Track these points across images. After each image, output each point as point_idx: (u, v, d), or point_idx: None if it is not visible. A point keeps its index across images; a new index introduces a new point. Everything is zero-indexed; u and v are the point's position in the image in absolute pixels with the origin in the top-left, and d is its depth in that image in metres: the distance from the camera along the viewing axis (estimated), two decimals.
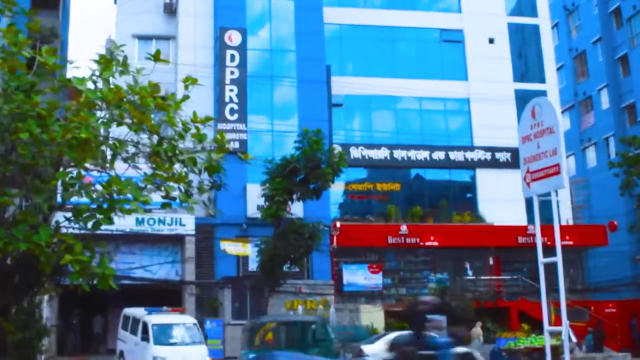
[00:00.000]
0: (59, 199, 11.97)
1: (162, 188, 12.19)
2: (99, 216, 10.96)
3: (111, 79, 11.83)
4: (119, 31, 37.14)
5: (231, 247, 29.79)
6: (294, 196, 29.18)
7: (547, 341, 14.49)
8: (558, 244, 14.25)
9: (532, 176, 14.66)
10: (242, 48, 34.84)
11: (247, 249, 30.14)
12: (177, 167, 12.49)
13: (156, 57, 12.46)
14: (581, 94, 51.83)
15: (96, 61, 12.37)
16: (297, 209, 31.64)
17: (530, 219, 37.72)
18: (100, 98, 10.71)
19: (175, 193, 12.85)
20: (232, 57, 34.68)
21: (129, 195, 10.86)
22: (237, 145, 33.82)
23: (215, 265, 32.54)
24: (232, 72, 34.51)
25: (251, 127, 34.39)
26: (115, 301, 35.56)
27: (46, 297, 28.17)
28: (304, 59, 35.57)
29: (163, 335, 25.00)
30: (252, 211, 32.38)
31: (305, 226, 29.05)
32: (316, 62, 35.56)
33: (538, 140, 14.46)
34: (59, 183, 10.74)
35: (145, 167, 12.26)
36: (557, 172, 13.98)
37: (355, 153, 36.45)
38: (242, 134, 33.94)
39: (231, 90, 34.29)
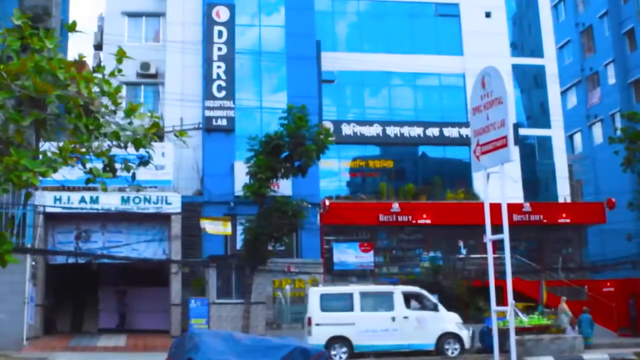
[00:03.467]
0: None
1: (80, 162, 11.74)
2: None
3: None
4: (109, 8, 36.76)
5: (211, 226, 29.36)
6: (278, 174, 28.82)
7: (494, 321, 13.98)
8: (505, 220, 13.76)
9: (481, 149, 14.10)
10: (229, 24, 34.22)
11: (228, 228, 29.73)
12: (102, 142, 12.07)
13: (71, 28, 11.98)
14: (588, 70, 50.79)
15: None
16: (285, 187, 31.26)
17: (527, 197, 37.06)
18: None
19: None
20: (220, 34, 34.09)
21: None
22: (224, 122, 33.40)
23: (202, 243, 32.21)
24: (219, 49, 33.93)
25: (240, 105, 33.89)
26: (104, 280, 35.63)
27: (27, 275, 28.07)
28: (293, 34, 34.88)
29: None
30: (240, 189, 31.99)
31: (288, 204, 28.69)
32: (306, 37, 34.83)
33: (488, 111, 13.87)
34: None
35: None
36: (505, 145, 13.42)
37: (347, 130, 35.84)
38: (230, 111, 33.44)
39: (219, 67, 33.73)
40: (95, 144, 11.93)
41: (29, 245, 28.89)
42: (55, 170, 11.75)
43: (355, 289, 24.24)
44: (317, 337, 22.50)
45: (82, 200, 30.70)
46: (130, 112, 12.27)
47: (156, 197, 31.39)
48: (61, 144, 12.01)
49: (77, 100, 11.81)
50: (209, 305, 30.11)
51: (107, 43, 35.15)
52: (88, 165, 12.03)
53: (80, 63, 12.35)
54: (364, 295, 23.62)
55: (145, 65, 35.34)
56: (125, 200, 31.17)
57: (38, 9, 34.50)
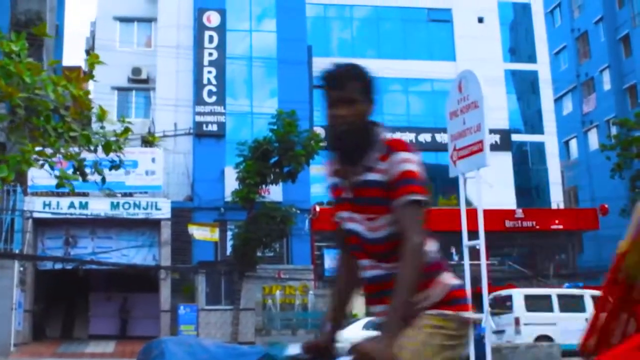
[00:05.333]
0: None
1: (47, 166, 11.65)
2: None
3: None
4: (101, 13, 36.66)
5: (199, 232, 29.22)
6: (268, 179, 28.70)
7: (471, 330, 13.78)
8: (481, 226, 13.50)
9: (458, 154, 13.92)
10: (221, 29, 34.19)
11: (215, 234, 29.58)
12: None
13: (41, 31, 11.95)
14: (583, 75, 50.66)
15: None
16: (276, 193, 31.14)
17: (520, 203, 36.91)
18: None
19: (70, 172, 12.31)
20: (211, 39, 34.05)
21: None
22: (215, 127, 33.34)
23: (192, 249, 32.06)
24: (210, 54, 33.90)
25: (230, 110, 33.80)
26: (95, 286, 35.47)
27: (15, 280, 27.91)
28: (284, 39, 34.83)
29: None
30: (230, 195, 31.90)
31: (277, 210, 28.56)
32: (297, 42, 34.78)
33: (464, 115, 13.68)
34: None
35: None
36: (481, 150, 13.21)
37: None
38: (221, 116, 33.37)
39: (209, 72, 33.69)
40: (64, 147, 11.83)
41: (17, 251, 28.76)
42: (21, 173, 11.65)
43: (552, 291, 25.40)
44: (525, 336, 23.11)
45: (72, 205, 30.58)
46: (101, 117, 12.18)
47: (146, 202, 31.28)
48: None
49: (46, 104, 11.71)
50: (198, 312, 29.96)
51: (99, 48, 34.99)
52: (57, 169, 11.94)
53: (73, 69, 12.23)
54: (560, 297, 24.58)
55: (136, 71, 35.27)
56: (114, 206, 31.06)
57: (31, 13, 34.46)
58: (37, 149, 11.71)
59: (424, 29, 38.56)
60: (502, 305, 24.12)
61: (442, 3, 38.69)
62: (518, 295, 24.21)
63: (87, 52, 39.07)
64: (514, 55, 40.60)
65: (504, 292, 25.15)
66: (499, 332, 23.73)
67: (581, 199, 48.14)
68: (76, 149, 12.04)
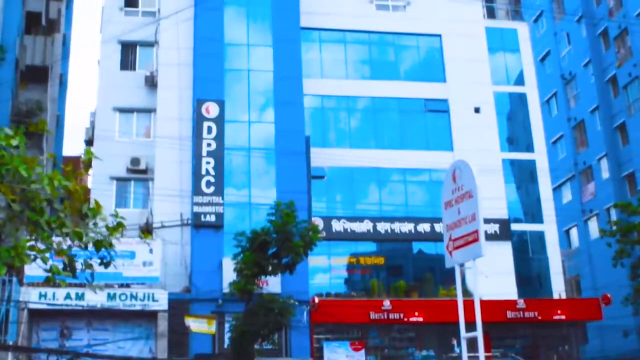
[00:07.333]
0: None
1: (40, 260, 11.55)
2: None
3: None
4: (101, 104, 36.92)
5: (196, 325, 28.79)
6: (266, 270, 28.46)
7: None
8: (478, 317, 13.36)
9: (454, 244, 13.85)
10: (219, 120, 34.49)
11: (212, 327, 29.18)
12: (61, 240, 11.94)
13: (41, 127, 12.10)
14: (581, 164, 50.93)
15: None
16: (275, 284, 30.87)
17: (521, 294, 36.48)
18: None
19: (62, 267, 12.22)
20: (210, 130, 34.32)
21: None
22: (213, 219, 33.25)
23: (190, 342, 31.55)
24: (209, 145, 34.10)
25: (229, 201, 33.80)
26: None
27: None
28: (283, 130, 35.12)
29: None
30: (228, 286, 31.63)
31: (275, 302, 28.17)
32: (295, 133, 35.04)
33: (459, 205, 13.71)
34: None
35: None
36: (476, 240, 13.18)
37: (337, 226, 35.60)
38: (219, 207, 33.35)
39: (208, 163, 33.82)
40: (56, 241, 11.80)
41: (11, 343, 28.32)
42: (13, 267, 11.58)
43: None
44: None
45: (68, 296, 30.31)
46: (94, 213, 12.16)
47: (143, 294, 31.02)
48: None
49: (40, 199, 11.70)
50: None
51: (99, 138, 35.30)
52: (49, 264, 11.86)
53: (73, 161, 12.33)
54: None
55: (135, 161, 35.35)
56: (111, 297, 30.76)
57: (32, 103, 34.78)
58: (30, 244, 11.68)
59: (421, 119, 38.83)
60: None
61: (439, 94, 39.12)
62: None
63: (87, 142, 39.33)
64: (511, 145, 40.80)
65: None
66: None
67: (584, 288, 47.76)
68: (69, 242, 12.00)
